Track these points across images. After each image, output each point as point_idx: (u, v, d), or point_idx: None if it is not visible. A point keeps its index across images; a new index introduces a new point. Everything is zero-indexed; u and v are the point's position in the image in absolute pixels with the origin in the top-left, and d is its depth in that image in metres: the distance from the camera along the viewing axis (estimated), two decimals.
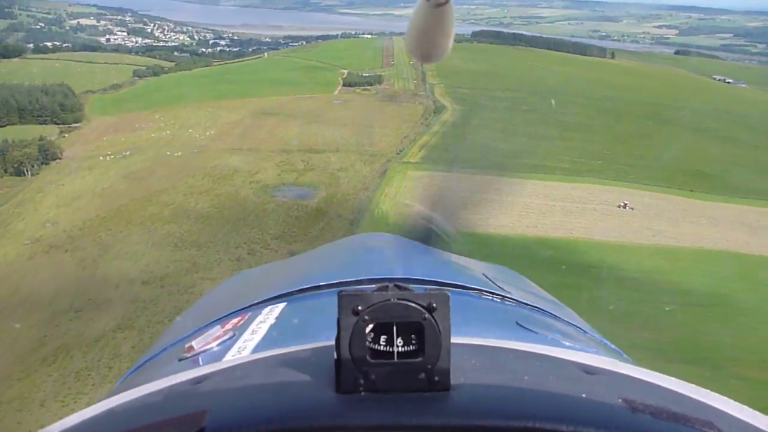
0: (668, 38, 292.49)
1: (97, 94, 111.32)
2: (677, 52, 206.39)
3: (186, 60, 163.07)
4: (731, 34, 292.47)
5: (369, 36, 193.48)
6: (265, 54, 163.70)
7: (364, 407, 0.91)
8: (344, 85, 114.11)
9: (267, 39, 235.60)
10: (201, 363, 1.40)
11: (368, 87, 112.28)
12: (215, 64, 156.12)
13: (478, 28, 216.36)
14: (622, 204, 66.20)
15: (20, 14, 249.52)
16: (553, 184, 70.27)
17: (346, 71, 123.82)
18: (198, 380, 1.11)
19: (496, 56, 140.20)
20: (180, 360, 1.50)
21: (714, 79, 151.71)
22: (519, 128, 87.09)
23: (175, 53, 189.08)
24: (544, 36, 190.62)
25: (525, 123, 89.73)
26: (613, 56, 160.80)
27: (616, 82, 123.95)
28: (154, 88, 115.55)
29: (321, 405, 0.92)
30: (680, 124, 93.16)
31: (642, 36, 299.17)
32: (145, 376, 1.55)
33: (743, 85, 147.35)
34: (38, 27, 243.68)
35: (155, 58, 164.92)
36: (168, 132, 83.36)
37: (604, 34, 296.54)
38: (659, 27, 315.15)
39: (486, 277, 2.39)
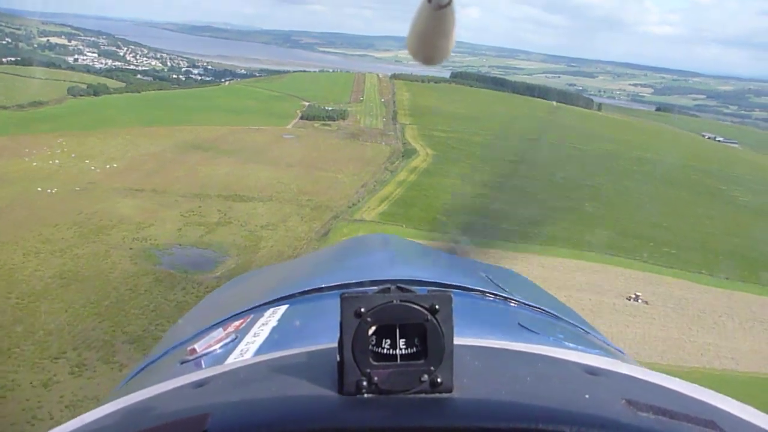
0: (644, 96, 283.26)
1: (9, 110, 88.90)
2: (658, 109, 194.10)
3: (139, 82, 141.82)
4: (704, 96, 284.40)
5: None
6: (226, 82, 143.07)
7: (367, 409, 0.88)
8: (302, 118, 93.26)
9: (242, 71, 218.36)
10: (203, 366, 1.36)
11: (329, 122, 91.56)
12: (172, 88, 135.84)
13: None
14: (633, 295, 46.01)
15: None
16: (548, 262, 49.76)
17: (307, 103, 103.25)
18: (200, 383, 1.07)
19: (476, 100, 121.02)
20: (182, 363, 1.45)
21: (704, 136, 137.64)
22: (505, 182, 66.86)
23: (138, 76, 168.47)
24: (527, 82, 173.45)
25: (511, 176, 69.64)
26: (599, 108, 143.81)
27: (610, 135, 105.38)
28: (83, 108, 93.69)
29: (324, 407, 0.89)
30: (708, 191, 73.66)
31: (618, 92, 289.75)
32: (147, 379, 1.51)
33: (736, 145, 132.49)
34: (4, 42, 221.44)
35: (112, 78, 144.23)
36: (57, 161, 61.30)
37: (580, 88, 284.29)
38: (634, 85, 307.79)
39: (488, 278, 2.31)
